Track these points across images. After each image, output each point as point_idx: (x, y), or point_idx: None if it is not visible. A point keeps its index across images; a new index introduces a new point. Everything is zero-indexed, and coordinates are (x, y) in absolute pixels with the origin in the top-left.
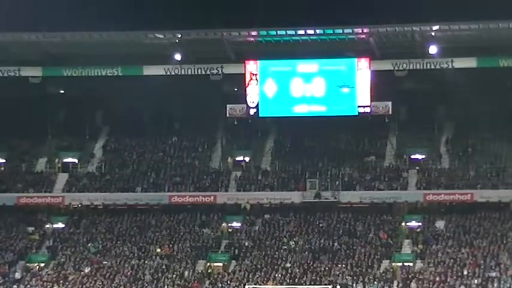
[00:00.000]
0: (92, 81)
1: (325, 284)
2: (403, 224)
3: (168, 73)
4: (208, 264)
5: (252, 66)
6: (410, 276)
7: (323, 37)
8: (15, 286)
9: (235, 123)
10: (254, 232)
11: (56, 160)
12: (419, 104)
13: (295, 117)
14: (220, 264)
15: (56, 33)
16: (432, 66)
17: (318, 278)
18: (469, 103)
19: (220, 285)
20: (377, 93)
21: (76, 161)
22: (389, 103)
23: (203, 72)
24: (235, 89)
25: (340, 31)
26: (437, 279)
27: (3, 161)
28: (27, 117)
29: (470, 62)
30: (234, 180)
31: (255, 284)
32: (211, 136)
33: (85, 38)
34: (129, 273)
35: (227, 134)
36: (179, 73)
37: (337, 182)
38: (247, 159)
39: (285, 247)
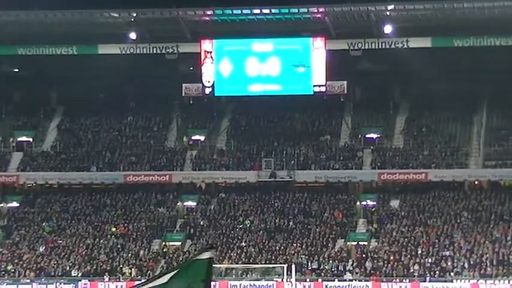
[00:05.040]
0: (47, 60)
1: (280, 263)
2: (358, 203)
3: (124, 52)
4: (164, 243)
5: (207, 45)
6: (365, 255)
7: (278, 16)
8: None
9: (191, 102)
10: (209, 211)
11: (11, 139)
12: (374, 84)
13: (251, 97)
14: (176, 243)
15: (11, 11)
16: (387, 46)
17: (273, 257)
18: (424, 83)
19: (175, 264)
20: (332, 73)
21: (31, 140)
22: (345, 82)
23: (158, 51)
24: (191, 68)
25: (296, 10)
26: (392, 258)
27: None
28: None
29: (425, 42)
30: (190, 159)
31: None
32: (166, 115)
33: (40, 16)
34: (84, 252)
35: (183, 113)
36: (134, 52)
37: (293, 162)
38: (202, 138)
39: (241, 226)
